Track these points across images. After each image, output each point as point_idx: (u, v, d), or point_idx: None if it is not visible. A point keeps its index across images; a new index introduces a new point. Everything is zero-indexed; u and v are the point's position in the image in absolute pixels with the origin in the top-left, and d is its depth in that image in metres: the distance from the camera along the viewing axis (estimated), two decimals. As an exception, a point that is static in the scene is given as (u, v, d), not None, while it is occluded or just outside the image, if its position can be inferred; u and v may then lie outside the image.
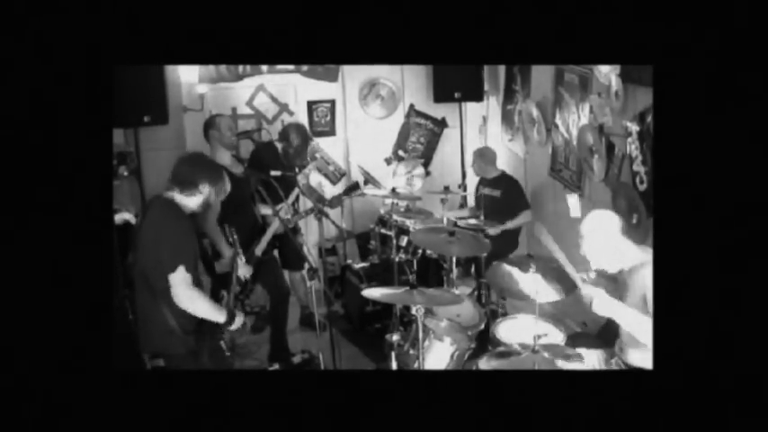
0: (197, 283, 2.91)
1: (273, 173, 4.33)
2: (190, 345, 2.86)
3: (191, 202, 2.94)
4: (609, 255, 2.77)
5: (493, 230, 4.85)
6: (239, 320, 2.98)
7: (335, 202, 4.83)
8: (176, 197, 2.93)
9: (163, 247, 2.80)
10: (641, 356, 2.68)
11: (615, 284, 2.90)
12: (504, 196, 5.10)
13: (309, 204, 4.88)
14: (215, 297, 3.07)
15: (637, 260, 2.73)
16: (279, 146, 4.92)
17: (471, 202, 5.79)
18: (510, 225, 4.99)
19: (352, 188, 4.95)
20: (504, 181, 5.21)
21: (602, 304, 2.65)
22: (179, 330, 2.82)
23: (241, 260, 3.21)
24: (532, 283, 3.19)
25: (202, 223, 4.12)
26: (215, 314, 2.88)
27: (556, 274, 3.18)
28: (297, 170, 4.58)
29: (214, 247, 3.89)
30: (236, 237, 3.17)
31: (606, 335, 3.20)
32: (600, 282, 2.90)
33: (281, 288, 4.47)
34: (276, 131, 5.19)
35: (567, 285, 3.13)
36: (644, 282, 2.62)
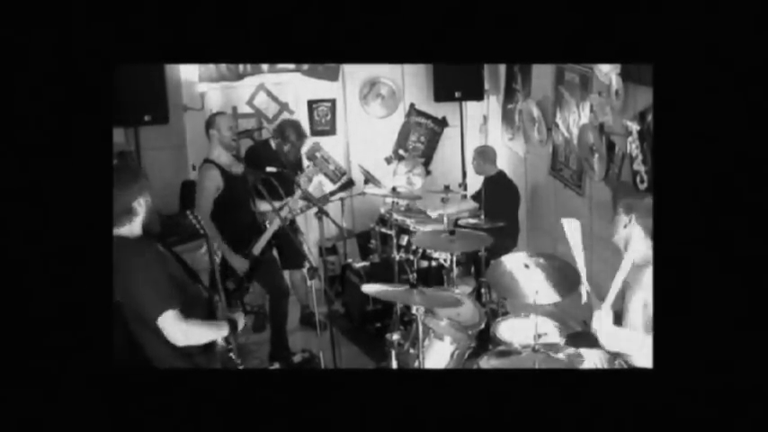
0: (191, 303, 2.68)
1: (269, 169, 4.33)
2: (201, 365, 2.70)
3: (136, 226, 2.61)
4: (623, 237, 2.72)
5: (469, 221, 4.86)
6: (241, 321, 2.84)
7: (323, 200, 4.81)
8: (121, 232, 2.57)
9: (136, 293, 2.52)
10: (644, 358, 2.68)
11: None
12: (492, 194, 5.12)
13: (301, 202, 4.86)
14: (209, 305, 2.87)
15: (643, 259, 2.70)
16: (273, 143, 4.93)
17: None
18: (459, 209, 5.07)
19: (345, 185, 4.93)
20: (499, 180, 5.23)
21: (611, 340, 2.62)
22: (182, 354, 2.64)
23: (217, 253, 2.99)
24: (532, 284, 3.19)
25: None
26: (216, 332, 2.71)
27: (556, 274, 3.18)
28: (297, 172, 4.57)
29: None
30: (202, 222, 2.97)
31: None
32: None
33: (280, 287, 4.47)
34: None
35: (567, 286, 3.13)
36: (646, 283, 2.60)
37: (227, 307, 2.85)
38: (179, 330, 2.53)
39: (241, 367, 2.83)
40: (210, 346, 2.75)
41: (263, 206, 4.34)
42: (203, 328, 2.68)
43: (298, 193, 4.41)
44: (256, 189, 4.02)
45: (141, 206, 2.61)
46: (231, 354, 2.80)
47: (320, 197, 4.73)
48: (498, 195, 5.13)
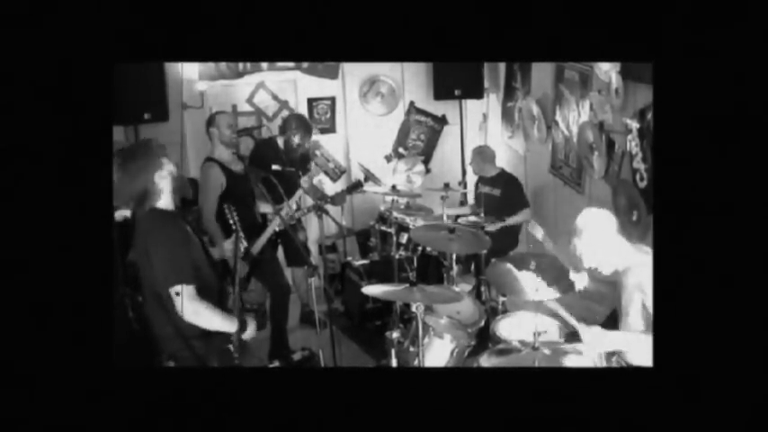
0: (205, 289, 2.74)
1: (274, 167, 4.33)
2: (197, 350, 2.75)
3: (166, 199, 2.71)
4: (603, 255, 2.71)
5: (492, 227, 4.84)
6: (252, 328, 2.83)
7: (338, 199, 4.82)
8: (156, 205, 2.71)
9: (157, 263, 2.63)
10: (640, 356, 2.68)
11: (606, 289, 2.90)
12: (503, 194, 5.10)
13: (310, 202, 4.88)
14: (221, 295, 2.92)
15: (631, 260, 2.71)
16: (280, 140, 4.93)
17: (471, 199, 5.79)
18: (509, 222, 4.98)
19: (356, 186, 4.94)
20: (504, 179, 5.21)
21: (603, 343, 2.65)
22: (181, 335, 2.71)
23: (243, 244, 3.04)
24: (532, 281, 3.19)
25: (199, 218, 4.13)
26: (224, 324, 2.73)
27: (554, 272, 3.18)
28: (300, 172, 4.57)
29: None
30: (237, 218, 3.03)
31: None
32: (592, 293, 2.92)
33: (282, 286, 4.47)
34: (276, 128, 5.20)
35: (566, 284, 3.14)
36: (640, 283, 2.61)
37: (239, 301, 2.85)
38: (191, 305, 2.60)
39: (236, 355, 2.80)
40: (210, 333, 2.76)
41: (264, 207, 4.34)
42: (214, 315, 2.71)
43: (298, 192, 4.41)
44: (258, 188, 4.01)
45: (163, 178, 2.67)
46: (231, 346, 2.78)
47: (333, 196, 4.73)
48: (506, 192, 5.12)
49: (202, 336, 2.76)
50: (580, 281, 3.10)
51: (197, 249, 2.83)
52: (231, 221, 3.00)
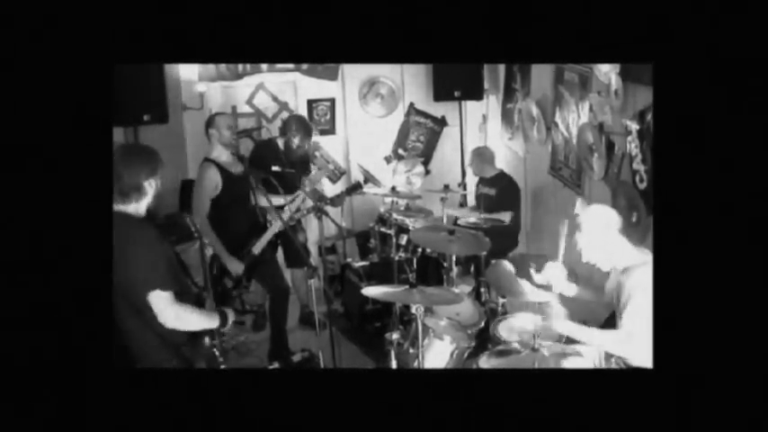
0: (182, 293, 2.69)
1: (274, 169, 4.33)
2: (182, 357, 2.71)
3: (142, 206, 2.64)
4: (604, 251, 2.78)
5: (477, 221, 4.83)
6: (231, 316, 2.82)
7: (337, 200, 4.83)
8: (127, 209, 2.60)
9: (133, 269, 2.52)
10: (640, 356, 2.68)
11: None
12: (498, 194, 5.11)
13: (310, 203, 4.88)
14: (198, 299, 2.88)
15: (632, 261, 2.73)
16: (280, 141, 4.93)
17: (471, 200, 5.79)
18: (483, 216, 4.97)
19: (355, 187, 4.95)
20: (502, 180, 5.22)
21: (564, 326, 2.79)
22: (168, 343, 2.66)
23: (207, 251, 3.03)
24: (530, 282, 3.20)
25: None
26: (206, 322, 2.72)
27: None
28: (300, 174, 4.57)
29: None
30: (198, 226, 3.02)
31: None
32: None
33: (281, 286, 4.47)
34: (276, 130, 5.19)
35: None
36: (639, 284, 2.61)
37: (214, 303, 2.85)
38: (171, 311, 2.55)
39: (222, 367, 2.81)
40: (198, 339, 2.76)
41: (263, 201, 4.34)
42: (195, 315, 2.69)
43: (299, 194, 4.41)
44: (258, 189, 4.02)
45: (151, 187, 2.64)
46: (215, 350, 2.79)
47: (333, 197, 4.73)
48: (506, 195, 5.12)
49: (189, 341, 2.74)
50: (568, 291, 3.13)
51: (171, 253, 2.78)
52: (193, 229, 2.98)
